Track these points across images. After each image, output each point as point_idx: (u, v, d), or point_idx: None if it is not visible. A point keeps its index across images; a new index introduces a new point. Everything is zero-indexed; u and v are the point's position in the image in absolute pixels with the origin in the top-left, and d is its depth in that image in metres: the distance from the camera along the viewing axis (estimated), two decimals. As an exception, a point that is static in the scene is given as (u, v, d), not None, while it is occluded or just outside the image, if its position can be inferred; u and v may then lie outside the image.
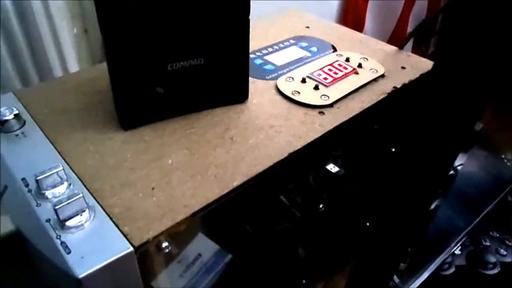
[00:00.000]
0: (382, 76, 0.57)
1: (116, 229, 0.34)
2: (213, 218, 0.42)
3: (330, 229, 0.75)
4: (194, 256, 0.56)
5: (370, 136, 0.66)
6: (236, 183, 0.39)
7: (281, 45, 0.64)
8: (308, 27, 0.71)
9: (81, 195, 0.35)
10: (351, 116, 0.49)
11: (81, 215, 0.34)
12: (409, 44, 1.24)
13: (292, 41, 0.65)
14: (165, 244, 0.35)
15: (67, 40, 0.67)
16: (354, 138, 0.62)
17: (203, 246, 0.56)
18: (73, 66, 0.69)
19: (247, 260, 0.63)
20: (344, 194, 0.74)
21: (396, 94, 0.55)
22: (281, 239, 0.68)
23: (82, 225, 0.34)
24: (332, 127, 0.47)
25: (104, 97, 0.49)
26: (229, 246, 0.58)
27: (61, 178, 0.38)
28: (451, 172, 0.78)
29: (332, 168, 0.74)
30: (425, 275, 0.70)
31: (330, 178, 0.72)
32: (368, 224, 0.84)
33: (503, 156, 0.93)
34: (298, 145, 0.44)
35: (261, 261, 0.66)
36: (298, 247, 0.75)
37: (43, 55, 0.66)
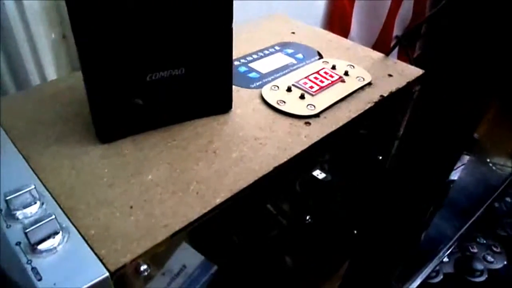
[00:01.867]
0: (369, 84, 0.56)
1: (91, 252, 0.32)
2: (198, 227, 0.40)
3: (317, 236, 0.74)
4: (179, 267, 0.54)
5: (356, 142, 0.65)
6: (218, 200, 0.37)
7: (266, 52, 0.63)
8: (293, 32, 0.70)
9: (53, 216, 0.33)
10: (337, 126, 0.48)
11: (54, 237, 0.32)
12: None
13: (277, 48, 0.64)
14: (143, 267, 0.33)
15: (44, 47, 0.65)
16: (341, 144, 0.61)
17: (187, 257, 0.54)
18: (51, 74, 0.66)
19: (234, 271, 0.62)
20: (331, 201, 0.73)
21: (383, 102, 0.54)
22: (268, 248, 0.67)
23: (55, 248, 0.32)
24: (318, 139, 0.46)
25: (82, 108, 0.47)
26: (215, 256, 0.56)
27: (33, 197, 0.36)
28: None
29: (319, 174, 0.73)
30: (415, 284, 0.69)
31: (316, 185, 0.71)
32: (355, 232, 0.83)
33: (488, 160, 0.93)
34: (283, 158, 0.43)
35: (248, 271, 0.64)
36: (285, 255, 0.73)
37: (19, 63, 0.63)
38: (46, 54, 0.65)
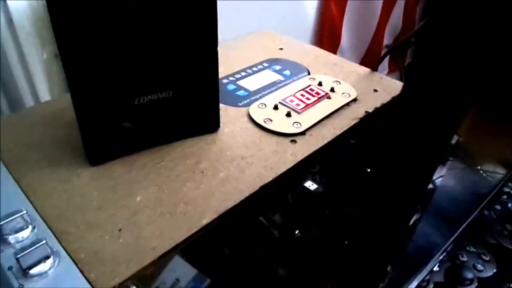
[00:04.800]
0: (355, 100, 0.57)
1: (81, 275, 0.33)
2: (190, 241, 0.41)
3: (309, 248, 0.75)
4: (172, 281, 0.55)
5: (346, 153, 0.66)
6: (205, 221, 0.38)
7: (255, 69, 0.64)
8: (281, 48, 0.71)
9: (44, 241, 0.34)
10: (323, 144, 0.49)
11: (45, 262, 0.33)
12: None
13: (265, 64, 0.65)
14: (132, 288, 0.35)
15: (37, 67, 0.66)
16: (332, 156, 0.62)
17: (181, 271, 0.55)
18: (44, 93, 0.67)
19: (227, 284, 0.63)
20: (323, 211, 0.74)
21: (368, 118, 0.55)
22: (261, 260, 0.67)
23: (46, 272, 0.33)
24: (303, 157, 0.47)
25: (73, 130, 0.48)
26: (208, 269, 0.57)
27: (25, 221, 0.37)
28: (430, 186, 0.78)
29: (311, 185, 0.74)
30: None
31: (309, 196, 0.72)
32: (346, 242, 0.83)
33: (479, 167, 0.94)
34: (269, 177, 0.44)
35: (241, 284, 0.65)
36: (278, 268, 0.74)
37: (12, 83, 0.64)
38: (39, 74, 0.67)
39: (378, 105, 0.57)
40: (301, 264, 0.77)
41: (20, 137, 0.48)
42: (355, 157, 0.69)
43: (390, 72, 1.42)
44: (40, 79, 0.66)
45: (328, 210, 0.75)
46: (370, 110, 0.55)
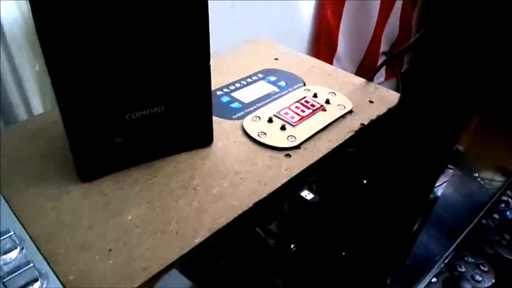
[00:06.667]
0: (350, 112, 0.57)
1: (70, 299, 0.32)
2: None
3: (306, 260, 0.74)
4: (167, 294, 0.54)
5: (343, 164, 0.66)
6: (198, 240, 0.38)
7: (249, 80, 0.63)
8: (277, 59, 0.70)
9: (31, 264, 0.33)
10: (318, 158, 0.48)
11: (32, 285, 0.33)
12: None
13: (260, 75, 0.65)
14: (122, 312, 0.34)
15: (29, 78, 0.66)
16: (328, 166, 0.62)
17: (175, 283, 0.54)
18: (37, 105, 0.67)
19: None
20: (320, 221, 0.73)
21: (364, 130, 0.54)
22: (256, 272, 0.67)
23: (33, 296, 0.32)
24: (298, 171, 0.46)
25: (64, 144, 0.47)
26: (203, 281, 0.56)
27: (13, 241, 0.36)
28: (431, 196, 0.78)
29: (307, 195, 0.73)
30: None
31: (305, 205, 0.71)
32: (344, 253, 0.83)
33: (476, 175, 0.94)
34: (263, 193, 0.43)
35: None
36: (274, 279, 0.73)
37: (4, 96, 0.64)
38: (31, 86, 0.66)
39: (374, 117, 0.56)
40: (297, 275, 0.76)
41: (10, 152, 0.47)
42: (352, 168, 0.68)
43: (386, 79, 1.42)
44: (32, 91, 0.66)
45: (325, 220, 0.74)
46: (366, 122, 0.55)
